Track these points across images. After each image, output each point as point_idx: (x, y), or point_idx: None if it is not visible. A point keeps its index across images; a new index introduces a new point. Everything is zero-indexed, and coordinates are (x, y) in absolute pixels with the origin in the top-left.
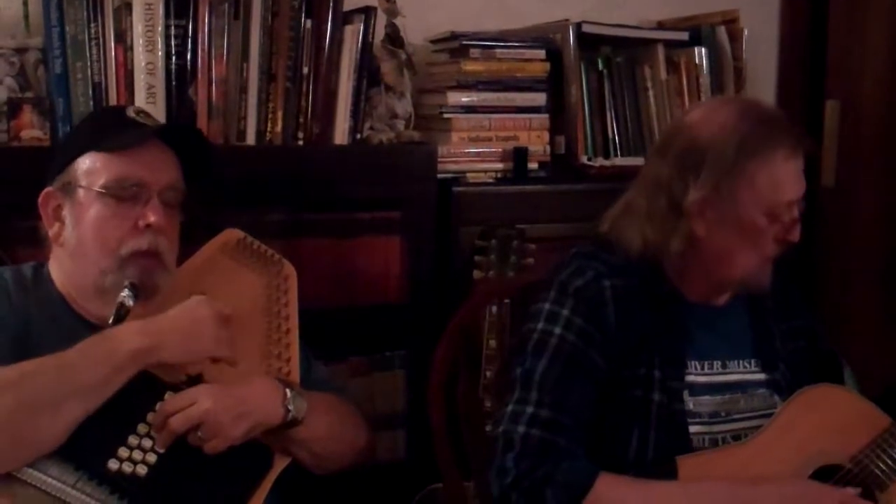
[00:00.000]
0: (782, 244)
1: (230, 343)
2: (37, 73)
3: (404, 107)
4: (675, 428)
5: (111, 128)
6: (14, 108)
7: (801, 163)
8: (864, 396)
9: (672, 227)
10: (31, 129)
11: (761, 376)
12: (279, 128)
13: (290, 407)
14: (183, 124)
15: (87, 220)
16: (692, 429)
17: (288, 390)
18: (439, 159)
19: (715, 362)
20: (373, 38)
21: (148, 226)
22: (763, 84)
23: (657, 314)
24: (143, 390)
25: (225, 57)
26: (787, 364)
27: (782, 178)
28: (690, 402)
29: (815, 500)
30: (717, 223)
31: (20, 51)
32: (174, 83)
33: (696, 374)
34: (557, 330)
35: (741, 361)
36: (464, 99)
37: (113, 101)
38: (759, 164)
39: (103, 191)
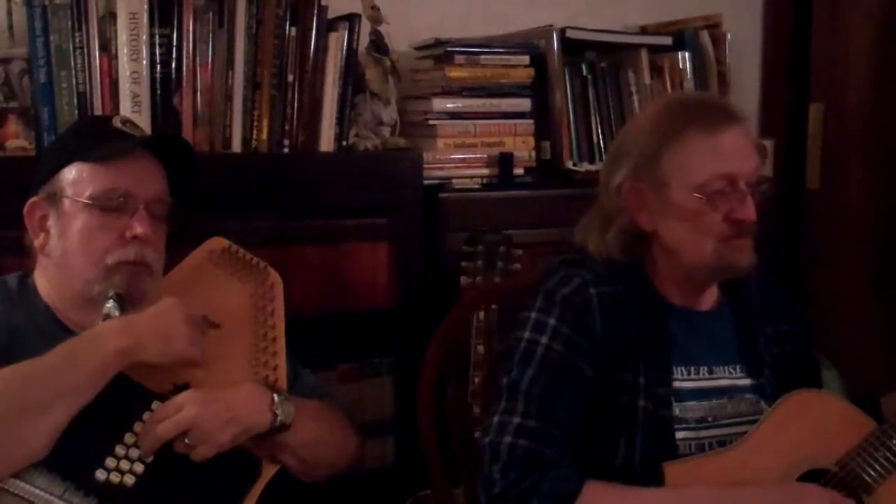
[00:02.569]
0: (736, 224)
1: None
2: (21, 83)
3: (389, 113)
4: (661, 434)
5: (97, 138)
6: None
7: (732, 138)
8: (848, 400)
9: (606, 222)
10: (16, 139)
11: (747, 382)
12: (265, 135)
13: (278, 411)
14: (170, 135)
15: (73, 231)
16: (679, 434)
17: (275, 395)
18: (425, 165)
19: (701, 367)
20: (357, 45)
21: (134, 237)
22: (747, 87)
23: (643, 320)
24: (130, 400)
25: (210, 65)
26: (773, 369)
27: (704, 155)
28: (677, 408)
29: (803, 501)
30: (658, 214)
31: (4, 60)
32: (159, 92)
33: (683, 380)
34: (544, 339)
35: (727, 367)
36: (449, 105)
37: (98, 110)
38: (676, 145)
39: (90, 202)
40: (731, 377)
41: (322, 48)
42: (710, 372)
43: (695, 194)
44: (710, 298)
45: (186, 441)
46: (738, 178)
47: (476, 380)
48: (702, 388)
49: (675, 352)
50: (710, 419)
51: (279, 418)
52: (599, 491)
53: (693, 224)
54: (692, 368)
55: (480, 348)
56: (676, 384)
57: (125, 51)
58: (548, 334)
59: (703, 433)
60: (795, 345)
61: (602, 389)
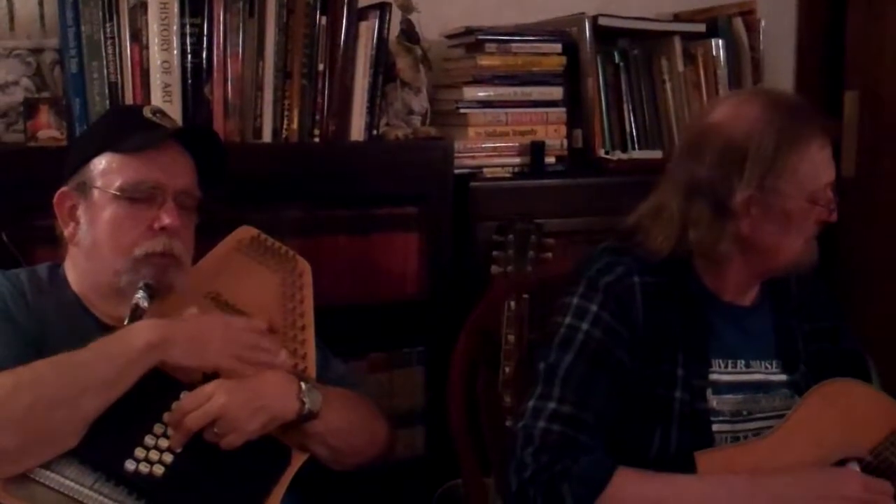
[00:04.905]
0: (822, 225)
1: (251, 353)
2: (53, 74)
3: (420, 102)
4: (697, 426)
5: (127, 128)
6: (31, 108)
7: (830, 147)
8: (884, 391)
9: (720, 231)
10: (48, 129)
11: (782, 377)
12: (295, 125)
13: (305, 400)
14: (198, 126)
15: (101, 222)
16: (714, 427)
17: (302, 383)
18: (456, 155)
19: (739, 361)
20: (388, 34)
21: (163, 228)
22: (781, 75)
23: (684, 312)
24: (159, 390)
25: (240, 55)
26: (809, 366)
27: (819, 165)
28: (713, 401)
29: (837, 487)
30: (761, 219)
31: (36, 51)
32: (190, 81)
33: (720, 373)
34: (584, 325)
35: (763, 362)
36: (480, 94)
37: (129, 100)
38: (799, 154)
39: (119, 193)
40: (767, 372)
41: (353, 37)
42: (748, 366)
43: (807, 201)
44: (751, 294)
45: (215, 430)
46: (831, 184)
47: (507, 370)
48: (738, 381)
49: (714, 345)
50: (744, 412)
51: (307, 406)
52: (631, 477)
53: (795, 227)
54: (730, 362)
55: (511, 338)
56: (713, 377)
57: (156, 41)
58: (588, 321)
59: (738, 426)
60: (835, 342)
61: (639, 379)
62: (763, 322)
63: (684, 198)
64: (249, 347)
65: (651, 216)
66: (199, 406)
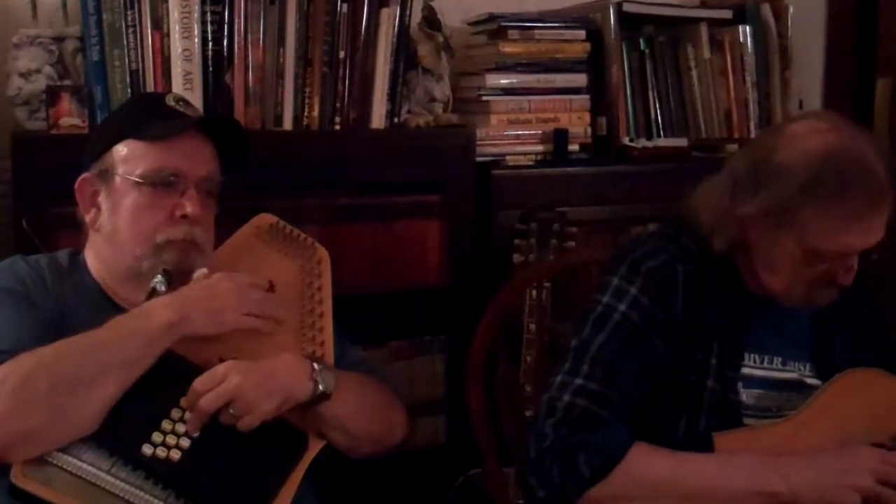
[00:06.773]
0: (829, 285)
1: (259, 308)
2: (75, 61)
3: (442, 90)
4: (727, 417)
5: (150, 115)
6: (53, 95)
7: (872, 221)
8: None
9: (721, 227)
10: (70, 117)
11: (815, 382)
12: (316, 113)
13: (318, 380)
14: (221, 116)
15: (123, 208)
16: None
17: (315, 364)
18: (478, 142)
19: (775, 358)
20: (410, 20)
21: (184, 216)
22: (810, 63)
23: (723, 304)
24: (176, 375)
25: (261, 42)
26: None
27: (839, 231)
28: (744, 394)
29: (853, 461)
30: (765, 237)
31: (58, 39)
32: (211, 69)
33: (753, 367)
34: (622, 307)
35: (798, 363)
36: (503, 81)
37: (150, 87)
38: (818, 210)
39: (140, 180)
40: (801, 374)
41: (374, 24)
42: (784, 364)
43: (804, 254)
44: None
45: (231, 412)
46: (853, 252)
47: (528, 359)
48: (771, 378)
49: (750, 338)
50: (774, 409)
51: (320, 387)
52: (647, 452)
53: (784, 269)
54: (766, 358)
55: (533, 327)
56: (746, 370)
57: (177, 28)
58: (626, 303)
59: (766, 423)
60: (877, 354)
61: (671, 365)
62: (801, 325)
63: (721, 185)
64: (259, 302)
65: (702, 191)
66: (213, 387)
